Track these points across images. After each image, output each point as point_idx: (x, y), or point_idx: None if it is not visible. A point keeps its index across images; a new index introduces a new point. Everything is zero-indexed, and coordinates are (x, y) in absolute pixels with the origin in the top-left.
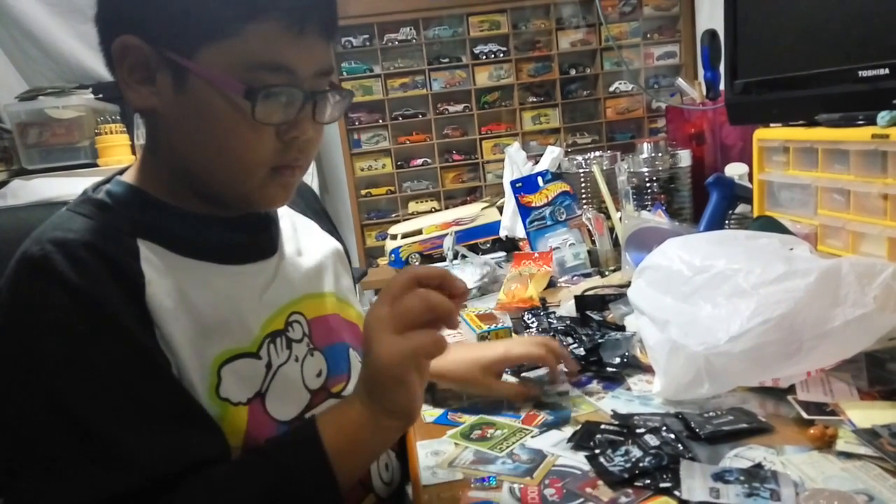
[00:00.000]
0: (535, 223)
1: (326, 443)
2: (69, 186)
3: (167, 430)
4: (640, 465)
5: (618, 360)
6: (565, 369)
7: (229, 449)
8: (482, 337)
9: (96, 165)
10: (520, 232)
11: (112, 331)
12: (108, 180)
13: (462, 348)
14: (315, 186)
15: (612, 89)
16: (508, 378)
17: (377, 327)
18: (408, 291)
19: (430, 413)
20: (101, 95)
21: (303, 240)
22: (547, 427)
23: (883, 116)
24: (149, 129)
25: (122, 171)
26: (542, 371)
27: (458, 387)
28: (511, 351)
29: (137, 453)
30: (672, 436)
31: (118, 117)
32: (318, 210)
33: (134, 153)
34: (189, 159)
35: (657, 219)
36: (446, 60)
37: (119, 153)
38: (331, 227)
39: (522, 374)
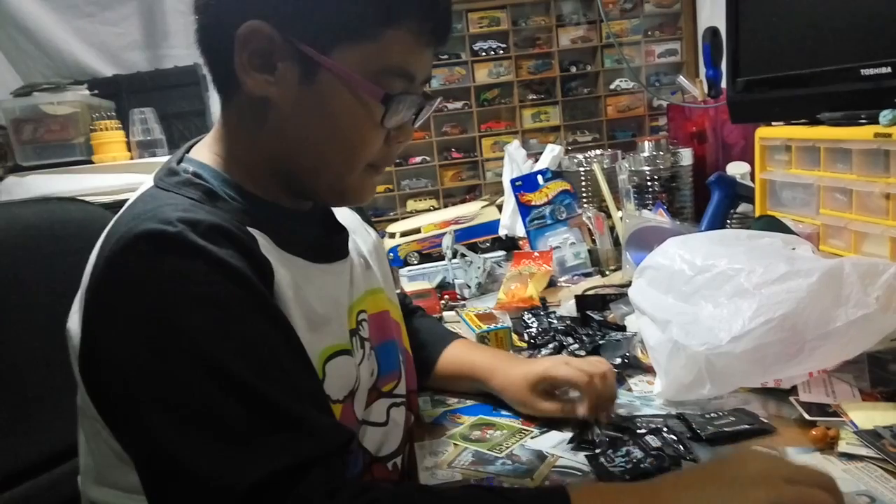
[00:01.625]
0: (535, 222)
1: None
2: (64, 183)
3: (320, 403)
4: (641, 465)
5: (619, 360)
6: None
7: None
8: (481, 337)
9: (91, 162)
10: (519, 231)
11: (260, 304)
12: (180, 159)
13: (508, 361)
14: None
15: (612, 87)
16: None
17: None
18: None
19: (429, 413)
20: (96, 91)
21: (352, 235)
22: (547, 428)
23: (885, 115)
24: (248, 114)
25: (188, 149)
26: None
27: (513, 404)
28: (554, 371)
29: (311, 420)
30: (673, 437)
31: (113, 113)
32: None
33: (129, 149)
34: (296, 149)
35: (658, 218)
36: (445, 57)
37: (114, 150)
38: (367, 217)
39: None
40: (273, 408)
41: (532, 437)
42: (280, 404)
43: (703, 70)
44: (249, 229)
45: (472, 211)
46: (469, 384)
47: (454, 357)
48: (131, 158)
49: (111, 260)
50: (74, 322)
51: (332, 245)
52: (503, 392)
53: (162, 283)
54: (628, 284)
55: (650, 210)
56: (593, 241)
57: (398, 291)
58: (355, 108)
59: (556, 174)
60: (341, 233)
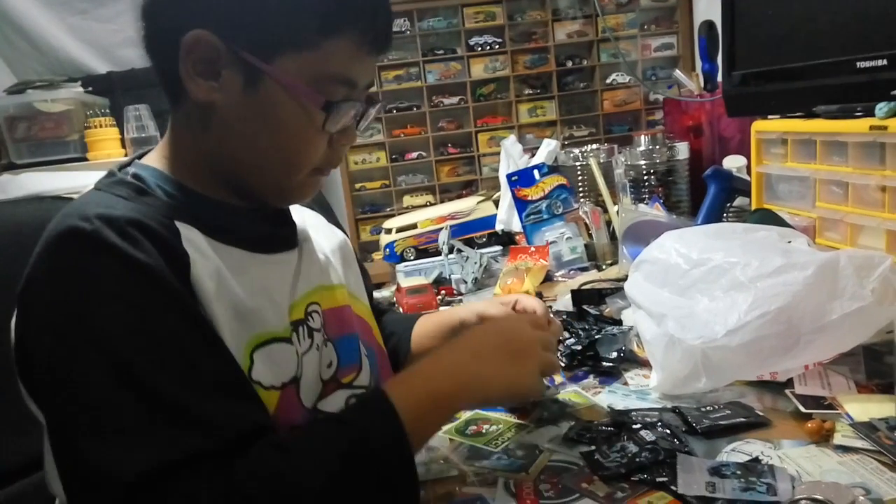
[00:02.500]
0: (532, 217)
1: (399, 406)
2: (59, 181)
3: (230, 395)
4: (637, 460)
5: (614, 354)
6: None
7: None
8: None
9: (86, 159)
10: (516, 226)
11: (169, 300)
12: (128, 164)
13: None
14: None
15: (609, 81)
16: None
17: (531, 336)
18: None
19: None
20: (90, 88)
21: (312, 232)
22: (542, 422)
23: (881, 108)
24: (193, 118)
25: (140, 156)
26: None
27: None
28: (487, 311)
29: (208, 415)
30: (668, 431)
31: (108, 111)
32: (322, 202)
33: (124, 147)
34: (239, 153)
35: (654, 212)
36: (441, 52)
37: (109, 147)
38: (334, 220)
39: None
40: (167, 402)
41: (528, 432)
42: (175, 399)
43: (699, 64)
44: (176, 223)
45: (468, 206)
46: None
47: (420, 332)
48: (126, 155)
49: (35, 257)
50: (13, 319)
51: (274, 236)
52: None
53: (74, 279)
54: (625, 279)
55: (646, 204)
56: (590, 235)
57: (389, 294)
58: (297, 115)
59: (552, 169)
60: (289, 226)
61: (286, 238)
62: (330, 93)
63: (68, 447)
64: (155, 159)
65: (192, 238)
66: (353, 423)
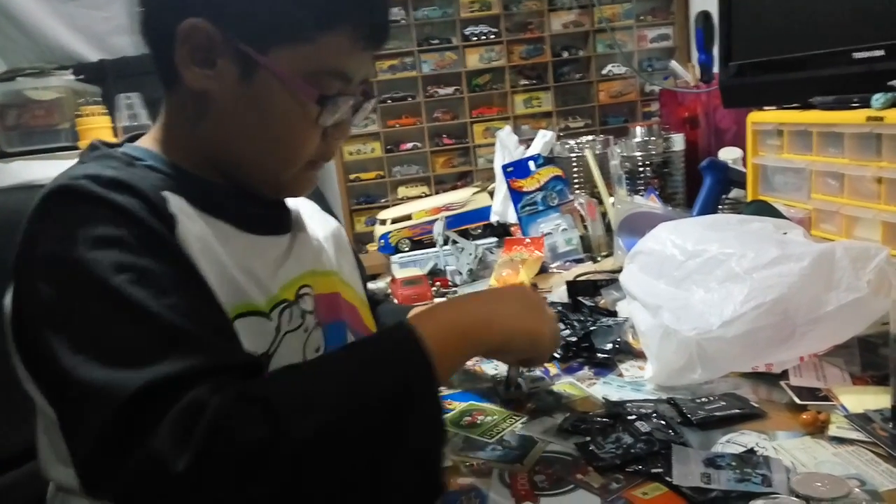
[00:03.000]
0: (527, 208)
1: (425, 332)
2: (50, 170)
3: (226, 335)
4: (632, 451)
5: (609, 346)
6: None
7: None
8: None
9: (77, 148)
10: (511, 217)
11: (159, 245)
12: (118, 145)
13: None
14: None
15: (604, 72)
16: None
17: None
18: None
19: None
20: (81, 77)
21: (306, 219)
22: (537, 413)
23: (878, 98)
24: (188, 106)
25: (132, 139)
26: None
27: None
28: None
29: (211, 341)
30: (663, 422)
31: (99, 99)
32: (315, 191)
33: (115, 135)
34: (234, 144)
35: (650, 203)
36: (436, 42)
37: (100, 135)
38: (327, 207)
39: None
40: (166, 326)
41: (522, 423)
42: (174, 323)
43: (695, 55)
44: (163, 193)
45: (463, 197)
46: None
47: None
48: None
49: (28, 220)
50: (8, 298)
51: (264, 217)
52: None
53: (65, 227)
54: (620, 270)
55: (642, 196)
56: (585, 227)
57: (384, 285)
58: (291, 107)
59: (547, 160)
60: (281, 209)
61: (277, 221)
62: (325, 87)
63: (66, 380)
64: (148, 142)
65: (179, 205)
66: (376, 341)
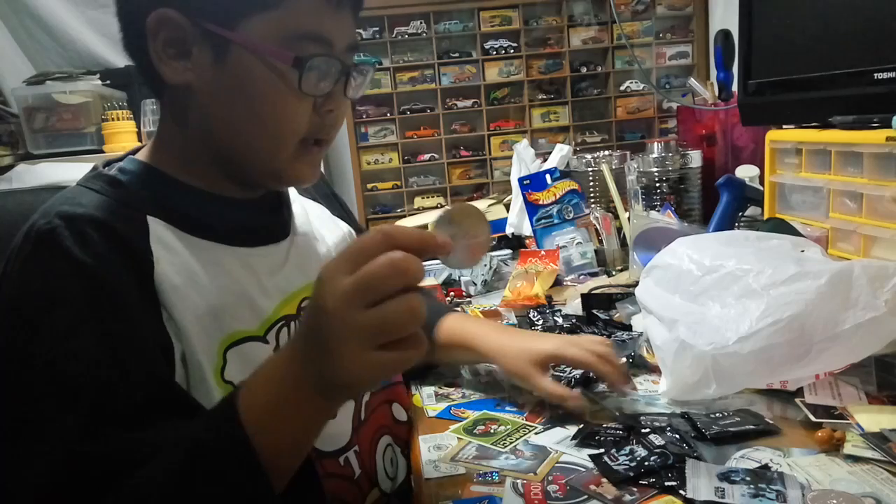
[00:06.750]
0: (542, 221)
1: (245, 414)
2: (74, 172)
3: (149, 412)
4: (646, 463)
5: (624, 359)
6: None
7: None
8: None
9: (102, 152)
10: (526, 229)
11: (111, 308)
12: (121, 158)
13: (508, 333)
14: None
15: (622, 88)
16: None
17: (334, 295)
18: (377, 254)
19: (433, 408)
20: (108, 82)
21: (315, 224)
22: (551, 424)
23: None
24: (175, 106)
25: (135, 151)
26: (603, 386)
27: (502, 375)
28: (564, 351)
29: (114, 439)
30: (677, 435)
31: (125, 104)
32: (327, 194)
33: (140, 140)
34: (223, 133)
35: (666, 219)
36: (456, 55)
37: (125, 140)
38: (342, 211)
39: (584, 390)
40: (82, 416)
41: (536, 433)
42: (88, 415)
43: (713, 73)
44: (148, 218)
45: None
46: (463, 354)
47: (449, 328)
48: None
49: (8, 253)
50: None
51: (259, 227)
52: (499, 360)
53: (24, 279)
54: (635, 284)
55: (658, 211)
56: (600, 241)
57: None
58: (270, 79)
59: (564, 174)
60: (278, 215)
61: (274, 229)
62: (300, 51)
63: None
64: (145, 153)
65: (161, 235)
66: (196, 426)
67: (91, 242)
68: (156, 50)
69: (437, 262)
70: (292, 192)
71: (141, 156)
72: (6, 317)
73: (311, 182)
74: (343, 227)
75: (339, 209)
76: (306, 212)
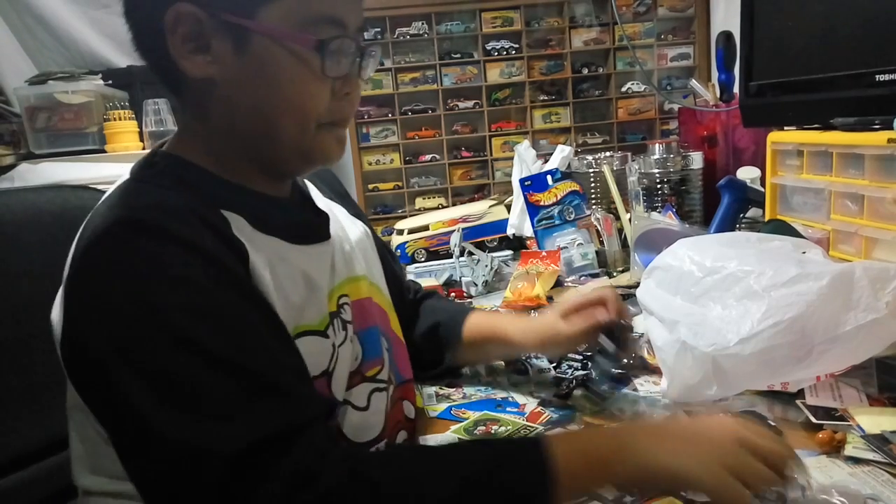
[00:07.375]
0: (544, 222)
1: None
2: (76, 171)
3: (302, 379)
4: None
5: (625, 360)
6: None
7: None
8: None
9: (104, 151)
10: (527, 230)
11: (234, 284)
12: (153, 156)
13: (531, 318)
14: None
15: (624, 89)
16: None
17: (734, 424)
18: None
19: (433, 408)
20: (110, 82)
21: (341, 223)
22: (552, 425)
23: None
24: (197, 101)
25: (161, 145)
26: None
27: (542, 347)
28: (583, 298)
29: (297, 391)
30: None
31: (127, 104)
32: (342, 193)
33: (142, 140)
34: (248, 121)
35: (667, 220)
36: (458, 56)
37: (127, 140)
38: (356, 210)
39: (585, 390)
40: (254, 377)
41: (536, 434)
42: (261, 374)
43: (715, 74)
44: (223, 212)
45: (480, 210)
46: (495, 348)
47: (476, 325)
48: (143, 149)
49: (88, 248)
50: (56, 313)
51: (310, 226)
52: (528, 334)
53: (137, 266)
54: (636, 285)
55: (659, 212)
56: (601, 242)
57: (411, 279)
58: (293, 64)
59: (565, 175)
60: (320, 216)
61: (320, 229)
62: (319, 34)
63: (149, 435)
64: (179, 149)
65: (241, 227)
66: (504, 450)
67: (195, 227)
68: (175, 46)
69: (438, 262)
70: (314, 191)
71: (178, 152)
72: (130, 309)
73: (338, 159)
74: (360, 226)
75: (353, 207)
76: (332, 212)
